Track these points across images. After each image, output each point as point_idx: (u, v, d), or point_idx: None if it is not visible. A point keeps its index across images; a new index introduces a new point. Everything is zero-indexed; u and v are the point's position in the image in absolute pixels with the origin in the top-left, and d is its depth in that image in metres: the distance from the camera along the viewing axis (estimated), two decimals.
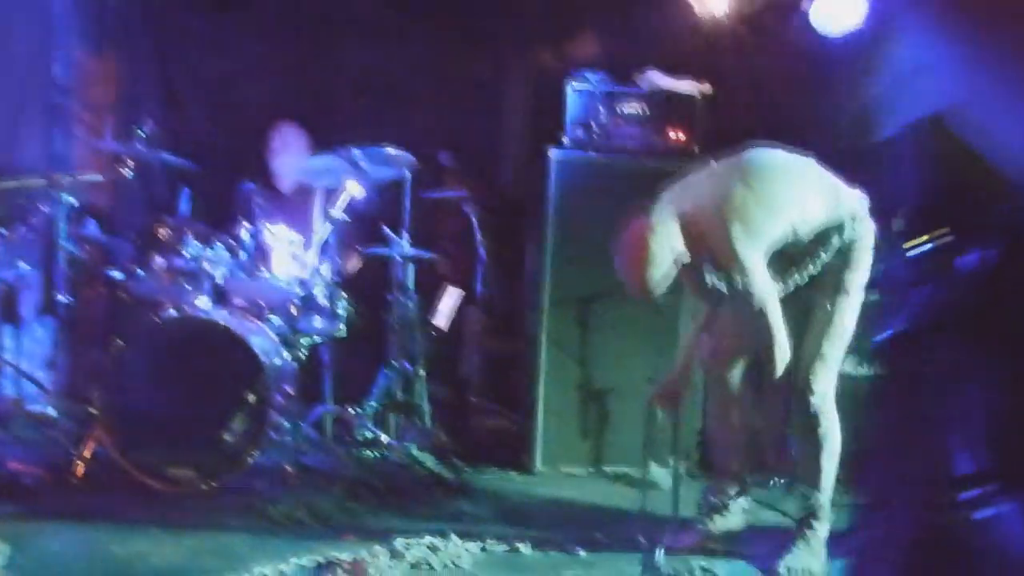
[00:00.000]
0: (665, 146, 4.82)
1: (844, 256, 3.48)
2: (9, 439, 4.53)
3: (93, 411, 4.17)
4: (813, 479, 3.54)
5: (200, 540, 3.53)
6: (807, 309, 3.52)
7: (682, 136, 4.82)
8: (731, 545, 3.70)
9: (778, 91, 5.08)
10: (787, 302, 3.45)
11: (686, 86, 4.83)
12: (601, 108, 4.81)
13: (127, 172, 4.56)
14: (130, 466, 4.07)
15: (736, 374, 3.72)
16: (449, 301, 5.19)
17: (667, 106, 4.82)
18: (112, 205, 5.24)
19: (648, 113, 4.85)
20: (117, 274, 4.59)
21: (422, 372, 4.95)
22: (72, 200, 4.52)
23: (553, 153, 4.71)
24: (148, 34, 5.90)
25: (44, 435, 4.55)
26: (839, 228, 3.46)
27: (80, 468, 4.06)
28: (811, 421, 3.50)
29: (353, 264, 5.11)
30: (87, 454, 4.10)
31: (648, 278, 3.29)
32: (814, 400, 3.48)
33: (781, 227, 3.37)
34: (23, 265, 4.89)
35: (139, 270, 4.41)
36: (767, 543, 3.62)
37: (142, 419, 4.13)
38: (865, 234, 3.50)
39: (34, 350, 5.28)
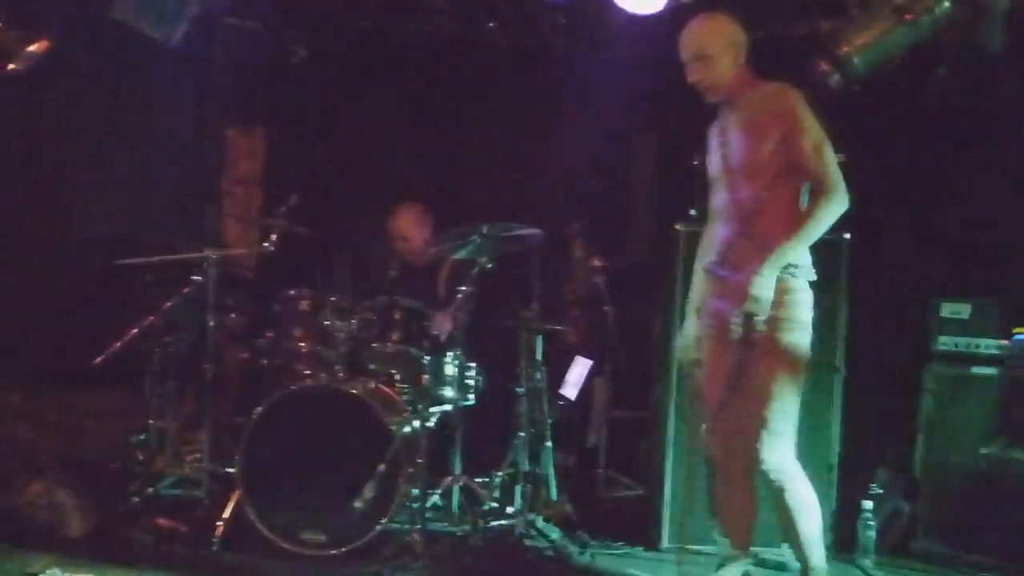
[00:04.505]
0: None
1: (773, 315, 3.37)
2: (157, 497, 4.77)
3: (234, 473, 4.36)
4: (796, 544, 3.48)
5: None
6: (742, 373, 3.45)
7: None
8: None
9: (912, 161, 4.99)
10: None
11: None
12: None
13: (272, 246, 4.79)
14: (266, 528, 4.22)
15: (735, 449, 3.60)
16: (578, 371, 5.21)
17: None
18: (258, 276, 5.50)
19: None
20: (260, 342, 4.82)
21: (549, 443, 4.97)
22: (222, 272, 4.75)
23: (681, 226, 4.72)
24: (291, 110, 6.23)
25: (190, 494, 4.76)
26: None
27: (220, 527, 4.22)
28: (775, 490, 3.43)
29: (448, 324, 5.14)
30: (227, 514, 4.27)
31: (708, 41, 3.49)
32: (770, 470, 3.39)
33: None
34: (177, 332, 5.18)
35: (280, 339, 4.63)
36: None
37: (278, 483, 4.29)
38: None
39: (184, 412, 5.55)
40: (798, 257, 3.43)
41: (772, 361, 3.40)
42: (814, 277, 3.50)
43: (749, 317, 3.36)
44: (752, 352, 3.42)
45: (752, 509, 3.77)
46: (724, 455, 3.69)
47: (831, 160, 3.41)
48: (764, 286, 3.33)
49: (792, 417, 3.44)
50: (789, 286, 3.41)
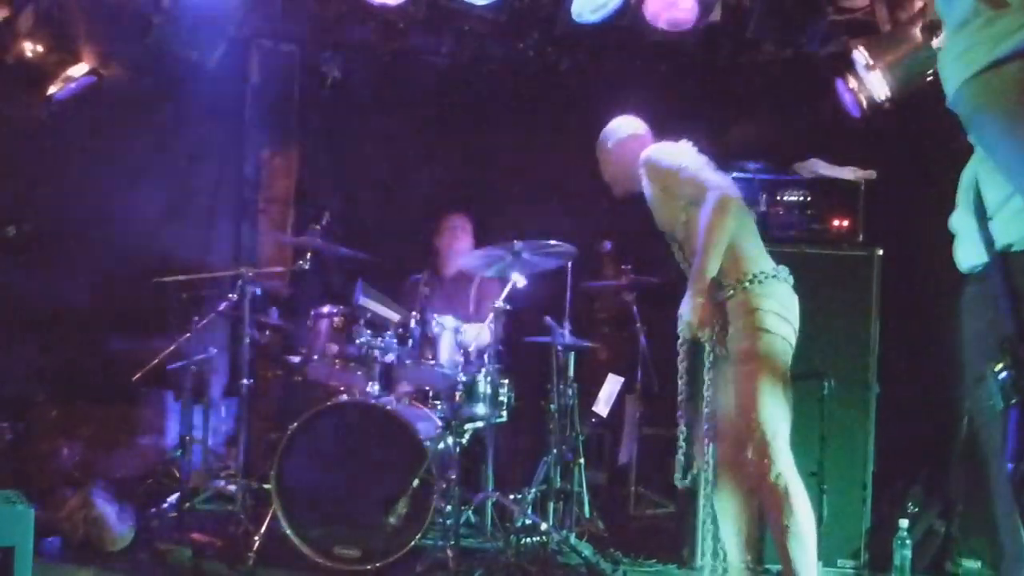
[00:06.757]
0: (828, 233, 4.76)
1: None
2: (193, 511, 4.81)
3: (269, 488, 4.40)
4: (785, 565, 3.33)
5: None
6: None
7: (846, 223, 4.75)
8: None
9: (943, 175, 4.94)
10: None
11: (849, 173, 4.77)
12: (762, 196, 4.80)
13: (305, 263, 4.85)
14: (300, 543, 4.26)
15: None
16: (609, 388, 5.22)
17: (830, 193, 4.78)
18: (291, 293, 5.56)
19: (810, 200, 4.81)
20: (294, 358, 4.88)
21: (581, 460, 4.98)
22: (256, 289, 4.81)
23: None
24: (325, 131, 6.31)
25: (225, 509, 4.81)
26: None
27: (255, 542, 4.26)
28: (768, 504, 3.36)
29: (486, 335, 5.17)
30: (262, 529, 4.31)
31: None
32: (764, 481, 3.34)
33: None
34: (212, 349, 5.25)
35: (314, 355, 4.68)
36: None
37: (313, 498, 4.33)
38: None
39: (219, 428, 5.62)
40: (755, 266, 3.50)
41: (743, 374, 3.42)
42: (785, 281, 3.54)
43: (687, 339, 3.50)
44: (722, 367, 3.49)
45: (754, 522, 3.68)
46: (723, 468, 3.65)
47: (690, 177, 3.61)
48: (688, 308, 3.44)
49: (779, 425, 3.38)
50: (749, 294, 3.45)
